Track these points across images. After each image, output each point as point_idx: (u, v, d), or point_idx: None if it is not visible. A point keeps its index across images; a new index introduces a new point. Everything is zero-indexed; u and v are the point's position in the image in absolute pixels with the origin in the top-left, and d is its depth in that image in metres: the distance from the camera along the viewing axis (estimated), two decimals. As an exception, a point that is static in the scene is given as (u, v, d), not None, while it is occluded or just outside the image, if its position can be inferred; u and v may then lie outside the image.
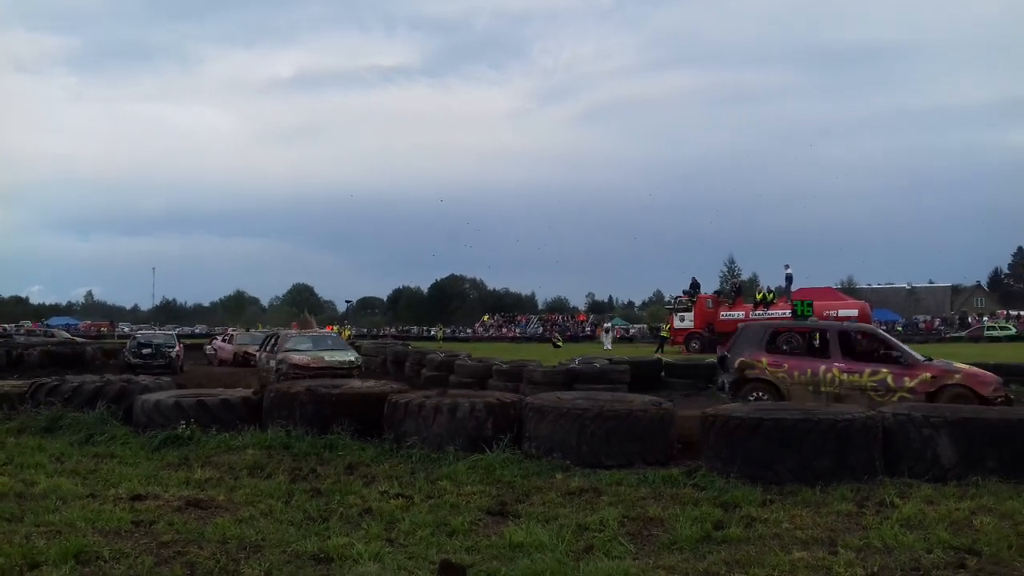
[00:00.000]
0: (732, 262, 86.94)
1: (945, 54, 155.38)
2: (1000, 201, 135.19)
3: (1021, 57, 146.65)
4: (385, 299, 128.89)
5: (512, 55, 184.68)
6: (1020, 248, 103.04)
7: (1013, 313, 69.18)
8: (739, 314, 37.09)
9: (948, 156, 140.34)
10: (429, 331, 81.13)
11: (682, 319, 39.52)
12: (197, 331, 79.18)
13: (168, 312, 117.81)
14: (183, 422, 8.34)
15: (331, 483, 6.42)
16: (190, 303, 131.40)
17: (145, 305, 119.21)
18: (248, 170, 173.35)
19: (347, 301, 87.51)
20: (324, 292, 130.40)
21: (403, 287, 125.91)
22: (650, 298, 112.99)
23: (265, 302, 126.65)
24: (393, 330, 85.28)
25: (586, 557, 4.61)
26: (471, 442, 7.45)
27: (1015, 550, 4.67)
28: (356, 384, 9.57)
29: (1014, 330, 60.14)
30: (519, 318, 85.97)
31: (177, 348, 24.80)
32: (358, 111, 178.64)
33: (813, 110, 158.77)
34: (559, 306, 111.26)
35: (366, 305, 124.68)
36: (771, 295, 38.27)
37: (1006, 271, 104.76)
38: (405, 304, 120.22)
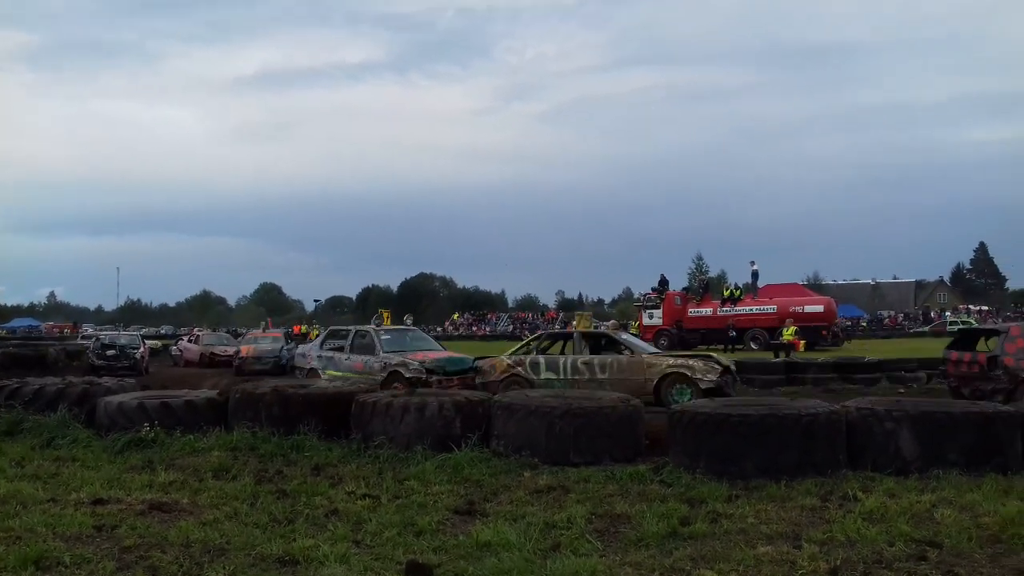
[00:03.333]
0: (700, 259, 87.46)
1: (907, 52, 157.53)
2: (962, 197, 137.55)
3: (980, 55, 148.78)
4: (354, 298, 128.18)
5: (477, 53, 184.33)
6: (982, 244, 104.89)
7: (975, 308, 70.36)
8: (707, 311, 37.36)
9: (911, 153, 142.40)
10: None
11: (651, 316, 39.61)
12: (163, 331, 78.13)
13: (133, 313, 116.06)
14: (147, 424, 8.23)
15: (297, 484, 6.37)
16: (155, 303, 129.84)
17: (109, 306, 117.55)
18: (214, 168, 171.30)
19: (315, 300, 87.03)
20: (292, 291, 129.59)
21: (372, 286, 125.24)
22: (620, 295, 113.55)
23: (232, 302, 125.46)
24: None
25: (553, 555, 4.62)
26: (439, 441, 7.43)
27: (975, 542, 4.75)
28: (323, 384, 9.50)
29: (976, 324, 61.22)
30: (489, 316, 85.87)
31: (142, 349, 24.47)
32: (324, 108, 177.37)
33: (776, 107, 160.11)
34: (529, 304, 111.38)
35: (335, 304, 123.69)
36: (738, 291, 38.54)
37: (968, 266, 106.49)
38: (374, 303, 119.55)
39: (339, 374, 14.77)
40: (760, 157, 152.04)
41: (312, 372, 15.49)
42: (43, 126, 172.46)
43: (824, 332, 34.27)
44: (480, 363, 14.37)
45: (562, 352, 14.69)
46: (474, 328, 77.86)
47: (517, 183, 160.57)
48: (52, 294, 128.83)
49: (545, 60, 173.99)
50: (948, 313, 67.72)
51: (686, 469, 6.65)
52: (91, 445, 8.06)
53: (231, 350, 26.08)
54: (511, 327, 74.20)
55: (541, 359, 13.83)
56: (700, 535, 4.98)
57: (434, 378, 13.39)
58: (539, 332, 18.26)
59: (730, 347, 32.86)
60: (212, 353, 26.20)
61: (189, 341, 30.65)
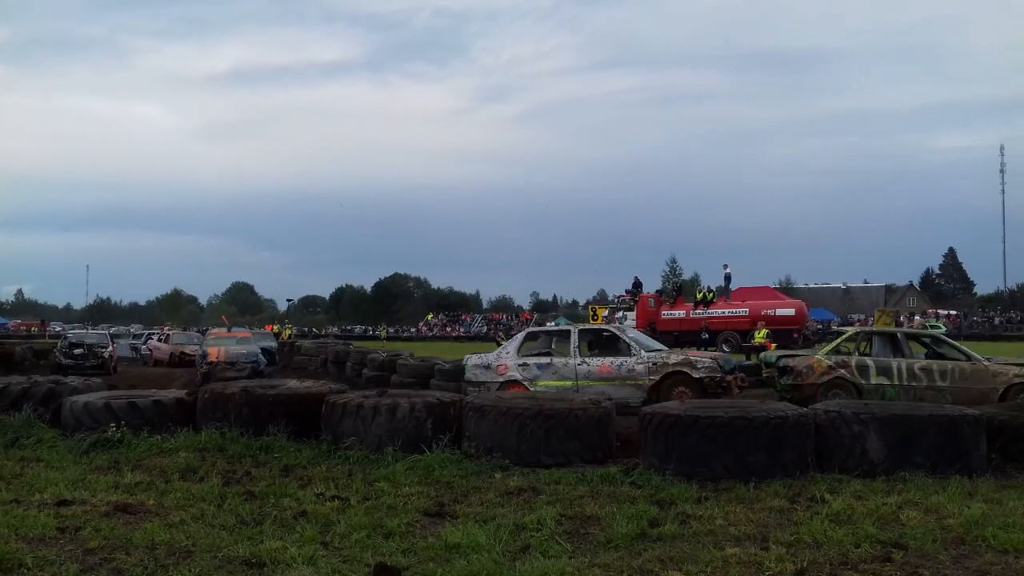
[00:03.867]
0: (674, 262, 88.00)
1: (878, 60, 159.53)
2: (932, 203, 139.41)
3: (949, 64, 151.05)
4: (327, 298, 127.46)
5: (453, 53, 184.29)
6: (951, 249, 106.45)
7: (943, 312, 71.29)
8: (680, 313, 37.53)
9: (882, 159, 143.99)
10: (373, 331, 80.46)
11: (624, 318, 39.81)
12: (132, 330, 77.21)
13: (102, 311, 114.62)
14: (113, 424, 8.10)
15: (266, 486, 6.31)
16: (125, 302, 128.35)
17: (78, 304, 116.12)
18: (186, 166, 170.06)
19: (288, 300, 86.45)
20: (264, 291, 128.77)
21: (346, 286, 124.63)
22: (594, 297, 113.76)
23: (204, 300, 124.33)
24: (335, 329, 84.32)
25: (523, 557, 4.61)
26: (411, 442, 7.40)
27: (940, 544, 4.81)
28: (293, 384, 9.43)
29: (944, 329, 62.00)
30: (463, 317, 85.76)
31: (110, 348, 24.19)
32: (298, 107, 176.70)
33: (750, 112, 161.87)
34: (504, 305, 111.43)
35: (308, 304, 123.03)
36: (711, 294, 38.76)
37: (937, 271, 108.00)
38: (348, 303, 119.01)
39: (564, 384, 12.31)
40: (733, 161, 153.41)
41: (510, 385, 12.57)
42: (11, 121, 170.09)
43: (795, 335, 34.57)
44: (790, 362, 12.94)
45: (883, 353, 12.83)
46: (448, 329, 77.74)
47: (492, 184, 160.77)
48: (20, 291, 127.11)
49: (521, 61, 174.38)
50: (918, 318, 68.53)
51: (656, 471, 6.68)
52: (56, 445, 7.93)
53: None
54: (485, 328, 74.12)
55: (870, 362, 12.36)
56: (669, 536, 4.99)
57: (728, 377, 11.90)
58: (856, 330, 15.66)
59: (703, 350, 33.02)
60: (182, 352, 25.93)
61: (159, 340, 30.36)
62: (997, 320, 67.40)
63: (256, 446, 7.63)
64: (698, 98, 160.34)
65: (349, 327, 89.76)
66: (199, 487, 6.29)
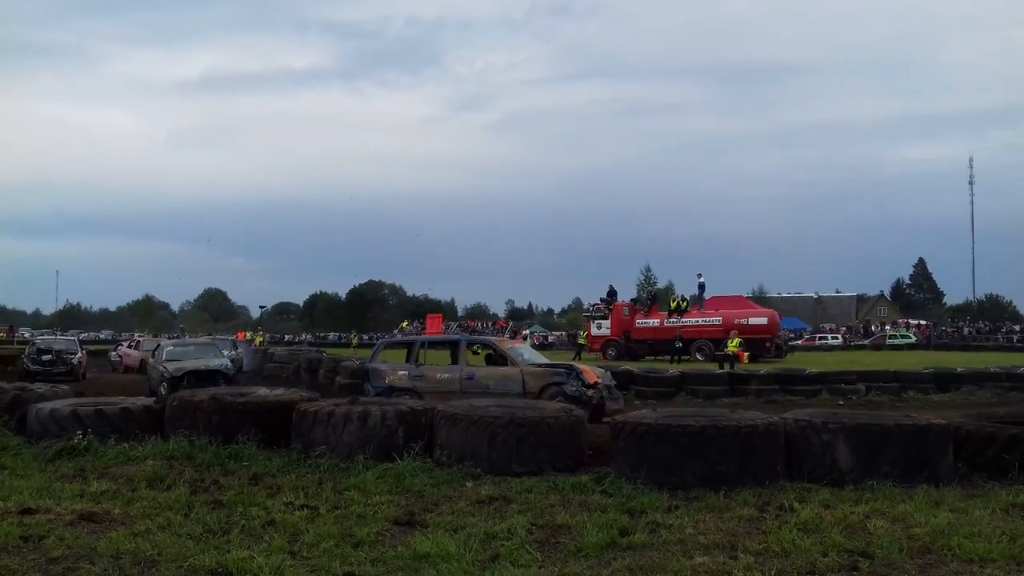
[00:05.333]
0: (649, 270, 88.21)
1: (847, 73, 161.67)
2: (903, 214, 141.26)
3: (918, 77, 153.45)
4: (301, 305, 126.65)
5: (426, 62, 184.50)
6: (921, 259, 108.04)
7: (913, 322, 72.22)
8: (654, 322, 37.72)
9: (854, 170, 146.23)
10: (347, 338, 79.97)
11: (599, 326, 39.86)
12: (103, 337, 76.26)
13: (72, 317, 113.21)
14: (80, 432, 7.99)
15: (234, 494, 6.24)
16: (96, 308, 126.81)
17: (48, 309, 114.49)
18: (158, 173, 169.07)
19: (261, 307, 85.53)
20: (237, 297, 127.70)
21: (320, 292, 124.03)
22: (569, 305, 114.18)
23: (176, 307, 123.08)
24: (309, 336, 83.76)
25: (492, 566, 4.60)
26: (382, 451, 7.36)
27: (906, 552, 4.84)
28: (264, 392, 9.36)
29: (914, 338, 62.80)
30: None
31: (79, 355, 23.87)
32: (270, 114, 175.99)
33: (722, 124, 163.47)
34: (479, 313, 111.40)
35: (282, 311, 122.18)
36: (685, 303, 39.03)
37: (907, 281, 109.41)
38: (322, 310, 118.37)
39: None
40: (707, 171, 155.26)
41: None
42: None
43: (768, 344, 34.84)
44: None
45: None
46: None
47: (467, 192, 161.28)
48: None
49: (495, 71, 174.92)
50: (888, 327, 69.36)
51: (628, 479, 6.68)
52: (21, 453, 7.80)
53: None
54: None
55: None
56: (639, 545, 4.99)
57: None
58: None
59: (676, 358, 33.18)
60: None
61: (129, 347, 30.01)
62: (966, 330, 68.33)
63: (225, 454, 7.55)
64: (670, 110, 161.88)
65: (323, 334, 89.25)
66: (166, 496, 6.20)
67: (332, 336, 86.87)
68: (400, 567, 4.57)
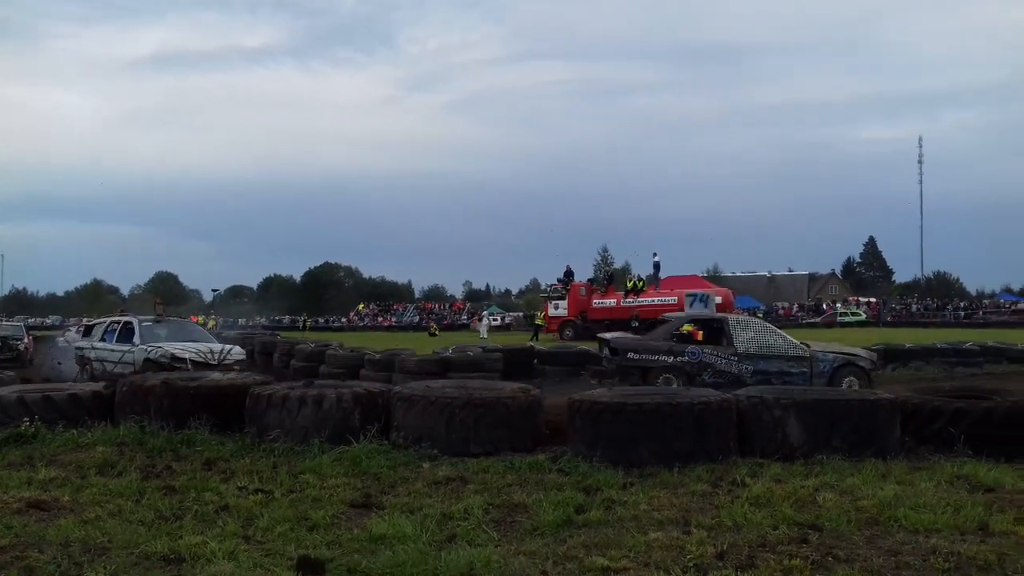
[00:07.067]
0: (606, 251, 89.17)
1: (802, 54, 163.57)
2: (854, 193, 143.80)
3: (870, 58, 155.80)
4: (255, 287, 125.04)
5: (380, 41, 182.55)
6: (871, 238, 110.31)
7: (864, 300, 73.73)
8: (611, 302, 38.05)
9: (807, 150, 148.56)
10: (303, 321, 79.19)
11: (556, 307, 40.10)
12: (49, 322, 74.57)
13: (18, 302, 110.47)
14: (27, 419, 7.81)
15: (186, 480, 6.16)
16: (43, 293, 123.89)
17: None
18: (107, 153, 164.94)
19: (214, 290, 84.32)
20: (190, 281, 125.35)
21: (274, 275, 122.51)
22: (527, 286, 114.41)
23: (126, 291, 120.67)
24: (263, 320, 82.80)
25: (449, 546, 4.60)
26: (338, 434, 7.30)
27: (853, 524, 4.95)
28: (217, 376, 9.23)
29: (864, 316, 64.24)
30: (395, 307, 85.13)
31: (26, 340, 23.34)
32: (223, 93, 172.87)
33: (678, 104, 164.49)
34: (436, 294, 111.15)
35: (235, 294, 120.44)
36: (641, 283, 39.37)
37: (858, 260, 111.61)
38: (277, 293, 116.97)
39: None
40: (663, 151, 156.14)
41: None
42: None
43: (722, 323, 35.24)
44: None
45: None
46: (380, 319, 77.06)
47: (423, 173, 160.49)
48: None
49: (449, 50, 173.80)
50: (839, 305, 70.70)
51: (584, 458, 6.73)
52: (-35, 442, 7.61)
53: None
54: (417, 318, 73.78)
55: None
56: (594, 523, 5.04)
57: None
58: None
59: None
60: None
61: (77, 332, 29.37)
62: (914, 307, 69.97)
63: (177, 440, 7.43)
64: (628, 90, 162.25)
65: (278, 317, 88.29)
66: (116, 482, 6.09)
67: (287, 320, 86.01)
68: (356, 549, 4.55)
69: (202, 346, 15.23)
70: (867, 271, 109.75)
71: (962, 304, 70.47)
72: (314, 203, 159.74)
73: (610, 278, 46.39)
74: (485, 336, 40.13)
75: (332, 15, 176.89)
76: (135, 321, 16.10)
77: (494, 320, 60.61)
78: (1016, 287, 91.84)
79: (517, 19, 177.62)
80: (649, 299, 36.85)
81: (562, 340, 34.46)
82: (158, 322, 16.57)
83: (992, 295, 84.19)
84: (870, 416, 7.02)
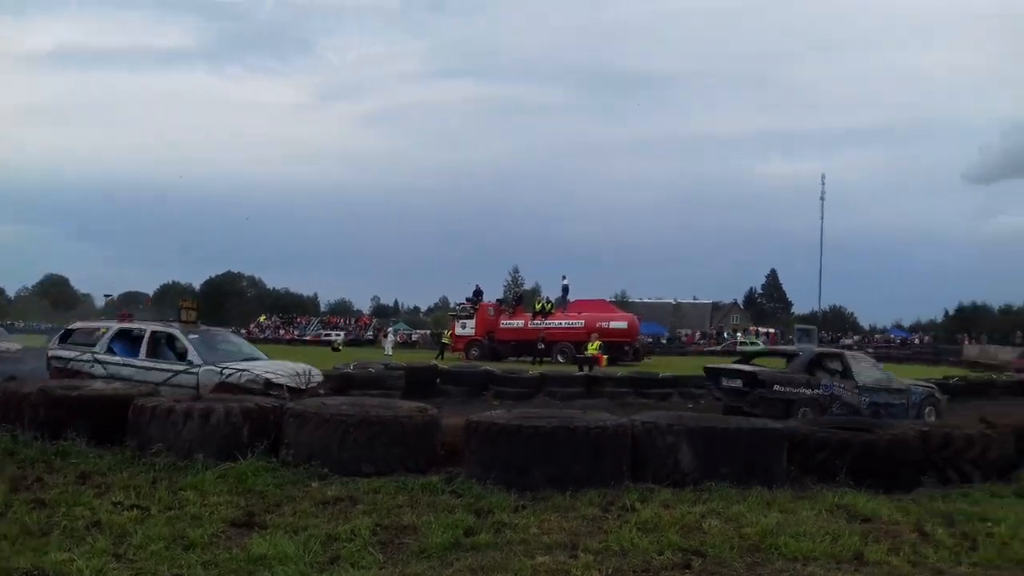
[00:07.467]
0: (516, 271, 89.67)
1: (714, 86, 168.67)
2: (759, 226, 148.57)
3: (778, 94, 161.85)
4: (151, 294, 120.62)
5: (297, 49, 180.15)
6: (773, 270, 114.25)
7: (763, 330, 76.16)
8: (519, 323, 38.23)
9: (715, 182, 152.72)
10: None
11: (464, 326, 40.02)
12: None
13: None
14: None
15: (58, 493, 5.84)
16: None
17: None
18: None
19: (106, 295, 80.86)
20: (81, 285, 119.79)
21: (172, 282, 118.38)
22: (436, 304, 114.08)
23: (11, 292, 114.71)
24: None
25: (331, 568, 4.49)
26: (225, 450, 7.03)
27: (736, 551, 5.04)
28: (99, 386, 8.82)
29: (762, 345, 66.33)
30: (299, 319, 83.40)
31: None
32: (128, 93, 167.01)
33: (592, 128, 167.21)
34: (342, 308, 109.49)
35: (130, 300, 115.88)
36: (549, 305, 39.70)
37: (760, 291, 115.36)
38: (173, 300, 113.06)
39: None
40: (575, 175, 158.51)
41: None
42: None
43: (626, 348, 35.88)
44: None
45: None
46: (281, 331, 75.35)
47: (333, 184, 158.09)
48: None
49: (367, 62, 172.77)
50: (739, 334, 72.80)
51: (478, 480, 6.67)
52: None
53: (13, 346, 23.95)
54: (321, 331, 72.48)
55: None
56: (483, 545, 4.99)
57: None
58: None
59: (539, 359, 33.64)
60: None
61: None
62: (809, 339, 72.45)
63: (52, 451, 7.07)
64: (544, 112, 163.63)
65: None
66: (-19, 495, 5.73)
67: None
68: (233, 570, 4.39)
69: (288, 367, 12.82)
70: (768, 302, 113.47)
71: (855, 338, 73.54)
72: (219, 209, 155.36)
73: (519, 299, 46.66)
74: (390, 353, 39.71)
75: (248, 20, 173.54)
76: (179, 332, 12.92)
77: (401, 337, 60.05)
78: (906, 323, 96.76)
79: (436, 36, 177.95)
80: (557, 322, 37.20)
81: (468, 360, 34.41)
82: (194, 332, 13.17)
83: (884, 330, 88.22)
84: (758, 445, 7.18)
